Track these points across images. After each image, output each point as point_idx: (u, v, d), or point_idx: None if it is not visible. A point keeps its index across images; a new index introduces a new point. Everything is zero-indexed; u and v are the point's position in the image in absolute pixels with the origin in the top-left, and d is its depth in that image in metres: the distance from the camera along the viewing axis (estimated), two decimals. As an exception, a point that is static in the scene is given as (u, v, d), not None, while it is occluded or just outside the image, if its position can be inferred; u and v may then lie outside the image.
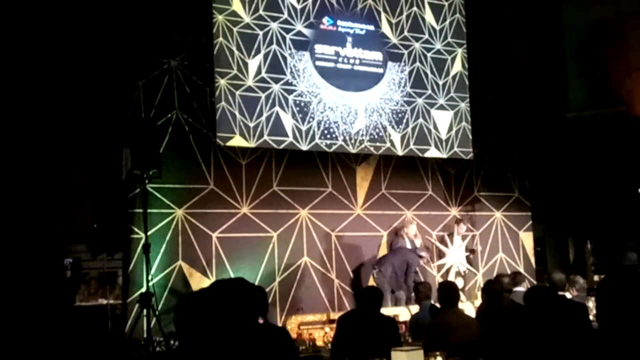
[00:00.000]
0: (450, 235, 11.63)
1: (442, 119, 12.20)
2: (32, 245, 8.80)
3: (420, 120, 11.94)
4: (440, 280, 11.02)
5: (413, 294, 9.29)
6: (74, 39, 9.32)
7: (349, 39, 11.51)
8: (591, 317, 6.49)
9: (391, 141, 11.60)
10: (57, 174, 9.36)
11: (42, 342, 8.05)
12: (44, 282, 8.87)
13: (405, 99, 11.87)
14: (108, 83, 9.89)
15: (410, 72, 11.99)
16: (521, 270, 11.80)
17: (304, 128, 10.83)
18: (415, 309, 8.82)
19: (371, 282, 10.59)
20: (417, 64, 12.08)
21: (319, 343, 8.47)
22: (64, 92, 9.31)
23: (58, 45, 9.18)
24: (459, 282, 10.94)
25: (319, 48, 11.21)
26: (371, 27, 11.76)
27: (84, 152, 10.10)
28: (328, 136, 11.03)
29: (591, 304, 7.39)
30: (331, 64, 11.30)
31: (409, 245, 11.06)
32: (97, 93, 9.79)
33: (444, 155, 12.16)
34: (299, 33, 11.05)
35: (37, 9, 9.10)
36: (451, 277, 11.18)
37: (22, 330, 8.01)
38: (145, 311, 8.14)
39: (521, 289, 8.28)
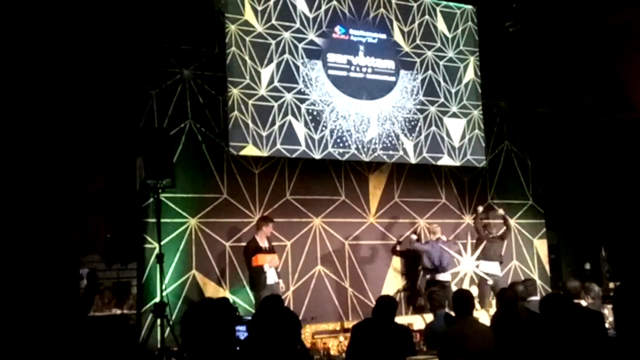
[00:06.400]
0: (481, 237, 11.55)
1: (455, 127, 12.19)
2: (48, 255, 8.82)
3: (433, 128, 11.93)
4: (455, 288, 10.96)
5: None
6: (87, 49, 9.37)
7: (361, 47, 11.52)
8: (607, 325, 6.44)
9: (404, 149, 11.59)
10: (71, 184, 9.38)
11: (56, 352, 8.06)
12: (60, 292, 8.89)
13: (418, 107, 11.87)
14: (122, 93, 9.93)
15: (423, 80, 11.99)
16: (535, 277, 11.74)
17: (316, 137, 10.84)
18: (429, 317, 8.80)
19: (384, 292, 10.57)
20: (430, 72, 12.08)
21: (333, 352, 8.46)
22: (79, 102, 9.35)
23: (72, 54, 9.23)
24: (474, 291, 10.88)
25: (332, 57, 11.23)
26: (383, 36, 11.78)
27: (97, 162, 10.14)
28: (341, 145, 11.04)
29: (606, 311, 7.33)
30: (344, 73, 11.32)
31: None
32: (111, 103, 9.83)
33: (457, 163, 12.13)
34: (312, 42, 11.08)
35: (53, 17, 9.15)
36: (465, 285, 11.13)
37: (37, 341, 8.03)
38: (159, 321, 8.13)
39: (535, 298, 8.23)
